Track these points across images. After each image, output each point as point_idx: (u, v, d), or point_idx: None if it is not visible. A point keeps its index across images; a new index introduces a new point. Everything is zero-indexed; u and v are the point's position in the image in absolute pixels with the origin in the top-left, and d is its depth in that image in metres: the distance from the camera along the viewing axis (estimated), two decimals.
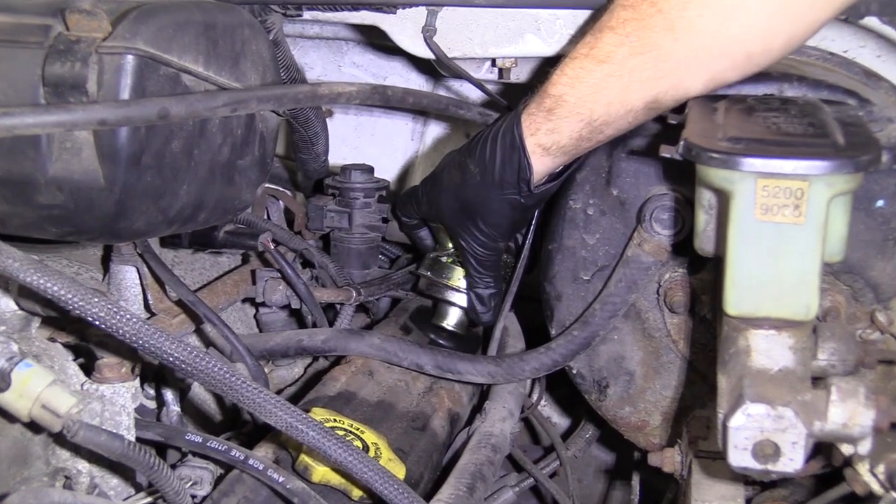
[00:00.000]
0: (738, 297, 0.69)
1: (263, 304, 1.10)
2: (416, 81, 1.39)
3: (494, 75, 1.12)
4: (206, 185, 0.83)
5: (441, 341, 1.10)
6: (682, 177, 0.86)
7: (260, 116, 0.92)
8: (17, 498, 0.67)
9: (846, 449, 0.69)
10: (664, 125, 0.85)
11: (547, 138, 0.85)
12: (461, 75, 1.09)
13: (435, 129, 1.48)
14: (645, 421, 0.99)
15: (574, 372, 1.00)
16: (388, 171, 1.50)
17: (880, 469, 0.72)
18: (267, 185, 1.09)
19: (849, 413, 0.64)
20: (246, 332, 1.20)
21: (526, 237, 1.05)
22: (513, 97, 1.09)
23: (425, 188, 1.04)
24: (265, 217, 1.25)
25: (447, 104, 1.09)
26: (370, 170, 1.24)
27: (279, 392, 1.09)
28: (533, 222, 1.04)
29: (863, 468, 0.73)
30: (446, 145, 1.41)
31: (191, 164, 0.79)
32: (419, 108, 1.27)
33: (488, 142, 0.91)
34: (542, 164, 0.88)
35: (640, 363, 0.97)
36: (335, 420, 0.82)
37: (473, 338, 1.15)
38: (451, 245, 1.09)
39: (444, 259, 1.12)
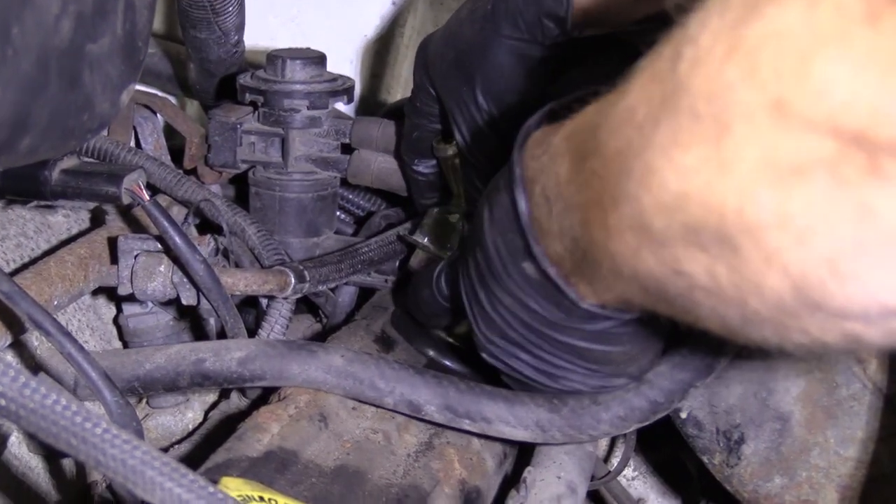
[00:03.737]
0: None
1: (131, 298, 1.13)
2: None
3: None
4: (33, 89, 0.85)
5: (446, 362, 1.14)
6: None
7: None
8: None
9: None
10: None
11: None
12: None
13: None
14: (809, 501, 1.03)
15: (684, 418, 1.04)
16: (350, 61, 1.52)
17: None
18: (138, 87, 1.11)
19: None
20: (101, 346, 1.23)
21: None
22: None
23: (432, 36, 1.13)
24: (133, 144, 1.28)
25: None
26: (320, 59, 1.27)
27: (164, 451, 1.12)
28: None
29: None
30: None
31: (6, 54, 0.81)
32: None
33: None
34: None
35: (799, 400, 1.01)
36: (263, 499, 0.85)
37: None
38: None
39: (454, 219, 1.15)
